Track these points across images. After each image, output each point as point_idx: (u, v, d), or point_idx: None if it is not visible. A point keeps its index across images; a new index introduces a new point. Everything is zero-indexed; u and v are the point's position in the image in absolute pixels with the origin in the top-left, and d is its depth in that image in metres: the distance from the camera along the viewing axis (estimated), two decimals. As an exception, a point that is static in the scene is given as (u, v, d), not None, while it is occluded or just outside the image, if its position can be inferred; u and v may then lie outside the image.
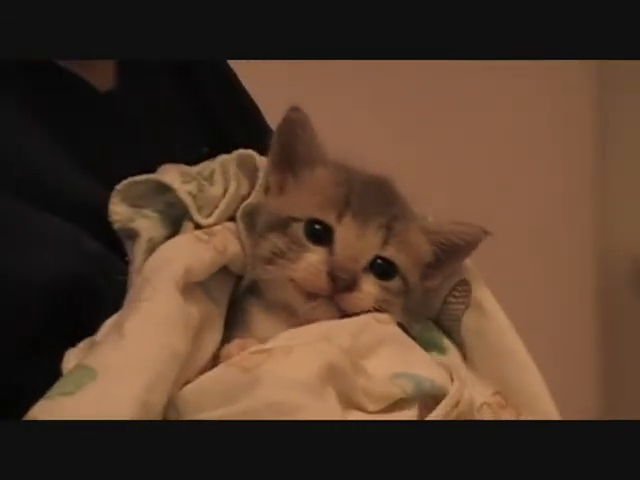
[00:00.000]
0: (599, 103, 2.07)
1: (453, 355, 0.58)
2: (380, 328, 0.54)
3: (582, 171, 2.08)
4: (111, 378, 0.45)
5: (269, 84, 1.50)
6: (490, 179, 1.88)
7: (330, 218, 0.55)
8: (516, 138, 1.91)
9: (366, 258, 0.55)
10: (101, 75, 0.66)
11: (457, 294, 0.60)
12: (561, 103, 2.00)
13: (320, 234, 0.55)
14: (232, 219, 0.58)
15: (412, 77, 1.70)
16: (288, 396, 0.46)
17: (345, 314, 0.54)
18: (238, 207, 0.58)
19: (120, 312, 0.50)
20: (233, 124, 0.76)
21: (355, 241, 0.55)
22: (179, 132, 0.71)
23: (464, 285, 0.60)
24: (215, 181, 0.58)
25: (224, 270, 0.56)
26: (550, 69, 1.83)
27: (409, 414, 0.50)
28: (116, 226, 0.55)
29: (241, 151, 0.59)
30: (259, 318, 0.55)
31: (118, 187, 0.56)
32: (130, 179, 0.56)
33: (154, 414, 0.46)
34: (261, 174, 0.58)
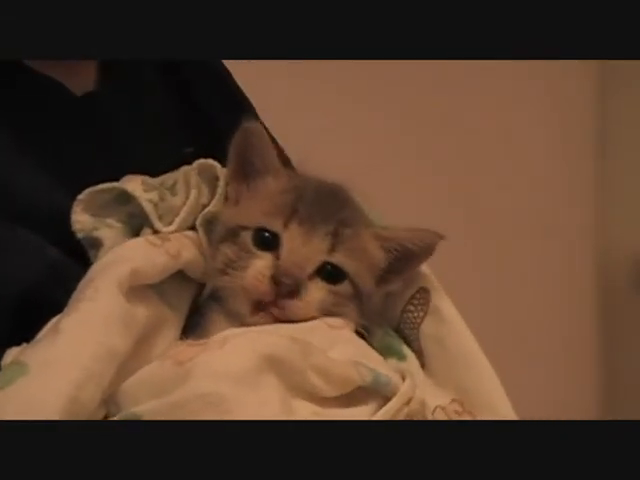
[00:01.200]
0: (599, 103, 2.07)
1: (412, 362, 0.58)
2: (332, 332, 0.54)
3: (582, 171, 2.08)
4: (42, 374, 0.45)
5: (267, 84, 1.50)
6: (490, 179, 1.88)
7: (277, 225, 0.56)
8: (516, 138, 1.91)
9: (312, 264, 0.55)
10: (81, 77, 0.65)
11: (416, 302, 0.60)
12: (561, 103, 2.00)
13: (267, 241, 0.55)
14: (194, 228, 0.58)
15: (412, 77, 1.70)
16: (218, 387, 0.46)
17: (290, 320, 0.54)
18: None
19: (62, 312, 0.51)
20: (225, 123, 0.76)
21: (301, 247, 0.55)
22: (163, 132, 0.71)
23: (423, 293, 0.60)
24: (177, 191, 0.58)
25: (184, 277, 0.56)
26: (550, 69, 1.83)
27: (367, 410, 0.50)
28: (80, 235, 0.56)
29: (202, 160, 0.59)
30: (218, 323, 0.55)
31: (80, 196, 0.56)
32: (92, 188, 0.56)
33: (85, 411, 0.46)
34: (221, 183, 0.58)
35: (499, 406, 0.57)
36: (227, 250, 0.56)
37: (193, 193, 0.57)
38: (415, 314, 0.60)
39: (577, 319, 2.08)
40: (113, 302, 0.49)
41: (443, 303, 0.60)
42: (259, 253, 0.55)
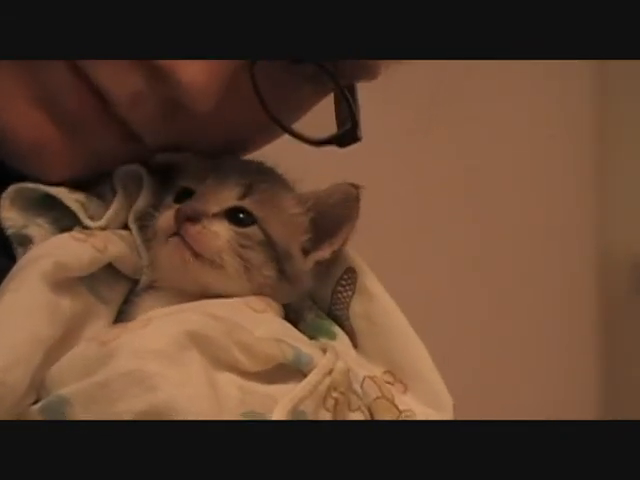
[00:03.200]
0: (599, 103, 2.07)
1: (342, 340, 0.58)
2: (255, 315, 0.54)
3: (582, 173, 2.08)
4: None
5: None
6: (489, 180, 1.88)
7: (194, 183, 0.57)
8: (516, 138, 1.91)
9: (217, 205, 0.56)
10: None
11: (344, 282, 0.60)
12: (561, 103, 2.00)
13: (184, 196, 0.57)
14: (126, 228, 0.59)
15: (411, 77, 1.70)
16: (141, 364, 0.46)
17: (197, 255, 0.55)
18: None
19: None
20: None
21: (211, 193, 0.56)
22: None
23: (350, 273, 0.60)
24: (105, 197, 0.59)
25: (118, 272, 0.56)
26: (550, 69, 1.83)
27: (290, 387, 0.50)
28: (9, 232, 0.55)
29: (123, 167, 0.59)
30: (144, 308, 0.56)
31: (6, 192, 0.56)
32: (18, 184, 0.56)
33: (12, 395, 0.46)
34: (146, 179, 0.58)
35: (426, 373, 0.57)
36: (157, 214, 0.57)
37: (119, 193, 0.58)
38: (344, 294, 0.60)
39: (577, 320, 2.08)
40: (37, 292, 0.50)
41: (370, 281, 0.60)
42: (174, 205, 0.57)
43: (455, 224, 1.81)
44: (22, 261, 0.53)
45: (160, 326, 0.49)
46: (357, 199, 0.58)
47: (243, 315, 0.53)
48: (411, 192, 1.64)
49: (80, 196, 0.57)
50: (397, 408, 0.55)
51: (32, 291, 0.50)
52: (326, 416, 0.51)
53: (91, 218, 0.57)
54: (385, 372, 0.57)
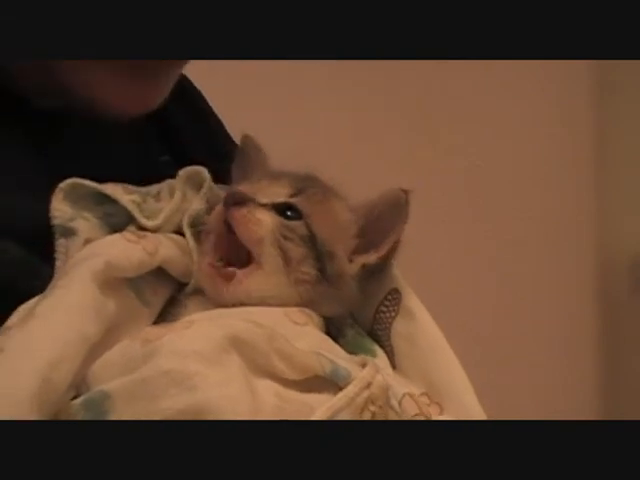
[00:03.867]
0: (599, 103, 2.07)
1: (382, 358, 0.59)
2: (295, 328, 0.54)
3: (582, 172, 2.08)
4: (15, 354, 0.47)
5: (265, 83, 1.50)
6: (489, 180, 1.88)
7: (247, 186, 0.59)
8: (516, 138, 1.91)
9: (268, 198, 0.57)
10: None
11: (388, 303, 0.60)
12: (561, 103, 2.00)
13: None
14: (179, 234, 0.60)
15: (411, 77, 1.70)
16: (182, 364, 0.47)
17: (240, 246, 0.55)
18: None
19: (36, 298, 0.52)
20: (192, 132, 0.76)
21: (262, 188, 0.58)
22: (134, 142, 0.71)
23: (395, 294, 0.60)
24: (162, 198, 0.60)
25: (164, 275, 0.57)
26: (550, 69, 1.83)
27: (327, 397, 0.50)
28: (56, 222, 0.56)
29: (188, 168, 0.60)
30: (191, 309, 0.56)
31: (62, 185, 0.57)
32: (74, 179, 0.57)
33: (56, 392, 0.47)
34: (206, 184, 0.59)
35: (463, 395, 0.57)
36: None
37: (177, 194, 0.58)
38: (387, 314, 0.60)
39: (577, 320, 2.08)
40: (86, 290, 0.51)
41: (413, 303, 0.60)
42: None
43: (455, 224, 1.81)
44: (74, 258, 0.53)
45: (202, 328, 0.50)
46: (406, 204, 0.58)
47: (284, 326, 0.53)
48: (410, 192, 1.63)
49: (135, 197, 0.58)
50: None
51: (81, 289, 0.51)
52: None
53: (147, 218, 0.57)
54: (422, 394, 0.57)
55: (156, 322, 0.56)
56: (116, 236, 0.56)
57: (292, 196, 0.58)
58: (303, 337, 0.53)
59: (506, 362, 1.86)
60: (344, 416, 0.49)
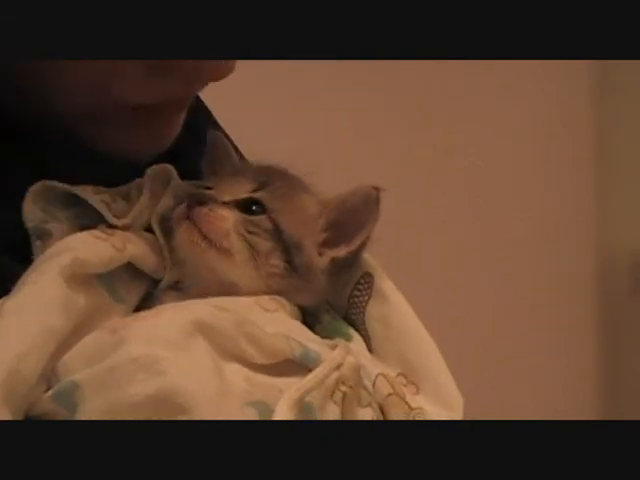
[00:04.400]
0: (599, 103, 2.07)
1: (358, 342, 0.59)
2: (266, 314, 0.55)
3: (582, 172, 2.08)
4: None
5: (264, 83, 1.50)
6: (489, 180, 1.88)
7: (213, 183, 0.60)
8: (516, 138, 1.91)
9: (229, 195, 0.58)
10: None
11: (361, 287, 0.61)
12: (561, 103, 2.00)
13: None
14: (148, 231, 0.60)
15: (411, 77, 1.70)
16: (150, 350, 0.48)
17: (205, 237, 0.56)
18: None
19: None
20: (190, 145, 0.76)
21: (224, 186, 0.58)
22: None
23: (367, 277, 0.60)
24: (131, 197, 0.60)
25: (138, 273, 0.57)
26: (550, 69, 1.84)
27: (297, 380, 0.50)
28: (30, 225, 0.57)
29: (155, 166, 0.60)
30: (167, 303, 0.56)
31: (32, 188, 0.57)
32: (44, 182, 0.57)
33: (25, 384, 0.47)
34: (173, 181, 0.60)
35: (438, 374, 0.58)
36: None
37: (144, 192, 0.59)
38: (361, 298, 0.60)
39: (577, 320, 2.08)
40: (54, 286, 0.51)
41: (386, 285, 0.60)
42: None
43: (455, 224, 1.81)
44: (43, 255, 0.54)
45: (170, 315, 0.51)
46: (377, 201, 0.58)
47: (253, 312, 0.54)
48: (410, 192, 1.64)
49: (105, 196, 0.58)
50: (409, 405, 0.55)
51: (49, 284, 0.51)
52: (334, 409, 0.51)
53: (116, 217, 0.58)
54: (398, 375, 0.58)
55: None
56: (84, 233, 0.56)
57: (255, 191, 0.58)
58: (272, 323, 0.53)
59: (506, 362, 1.86)
60: (314, 396, 0.49)
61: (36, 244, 0.56)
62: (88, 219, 0.58)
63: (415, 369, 0.58)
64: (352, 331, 0.60)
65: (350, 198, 0.59)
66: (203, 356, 0.49)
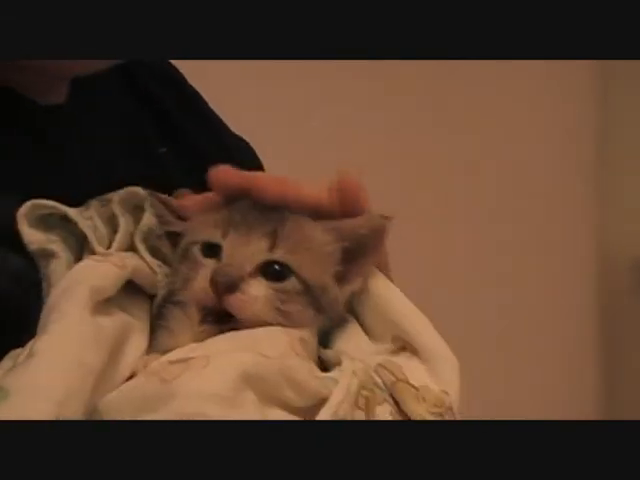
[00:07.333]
0: (599, 103, 2.07)
1: (353, 325, 0.60)
2: (297, 359, 0.54)
3: (582, 172, 2.08)
4: (23, 397, 0.46)
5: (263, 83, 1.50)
6: (489, 180, 1.88)
7: (217, 237, 0.58)
8: (516, 138, 1.91)
9: (251, 263, 0.56)
10: (53, 88, 0.65)
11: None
12: (561, 103, 2.00)
13: (213, 251, 0.57)
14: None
15: (411, 77, 1.70)
16: (200, 408, 0.48)
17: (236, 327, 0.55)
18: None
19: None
20: (189, 124, 0.76)
21: (239, 249, 0.56)
22: (132, 136, 0.71)
23: None
24: (97, 226, 0.59)
25: (137, 288, 0.58)
26: (550, 69, 1.84)
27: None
28: (32, 247, 0.56)
29: (121, 191, 0.59)
30: (183, 329, 0.56)
31: (22, 210, 0.57)
32: (33, 201, 0.57)
33: None
34: (147, 203, 0.59)
35: (428, 339, 0.58)
36: (183, 268, 0.58)
37: (122, 221, 0.59)
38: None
39: (578, 320, 2.08)
40: (80, 320, 0.51)
41: (375, 276, 0.61)
42: (205, 261, 0.57)
43: (455, 224, 1.81)
44: (57, 290, 0.53)
45: (219, 367, 0.50)
46: (384, 231, 0.58)
47: (290, 358, 0.53)
48: (409, 192, 1.64)
49: (90, 216, 0.58)
50: (414, 387, 0.56)
51: (75, 320, 0.50)
52: (360, 415, 0.51)
53: (99, 241, 0.58)
54: (394, 337, 0.58)
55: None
56: (85, 262, 0.56)
57: (271, 248, 0.57)
58: (303, 365, 0.54)
59: (506, 362, 1.86)
60: (345, 408, 0.50)
61: (43, 263, 0.56)
62: (73, 241, 0.58)
63: (406, 330, 0.58)
64: (347, 315, 0.60)
65: (359, 228, 0.59)
66: (251, 410, 0.49)
